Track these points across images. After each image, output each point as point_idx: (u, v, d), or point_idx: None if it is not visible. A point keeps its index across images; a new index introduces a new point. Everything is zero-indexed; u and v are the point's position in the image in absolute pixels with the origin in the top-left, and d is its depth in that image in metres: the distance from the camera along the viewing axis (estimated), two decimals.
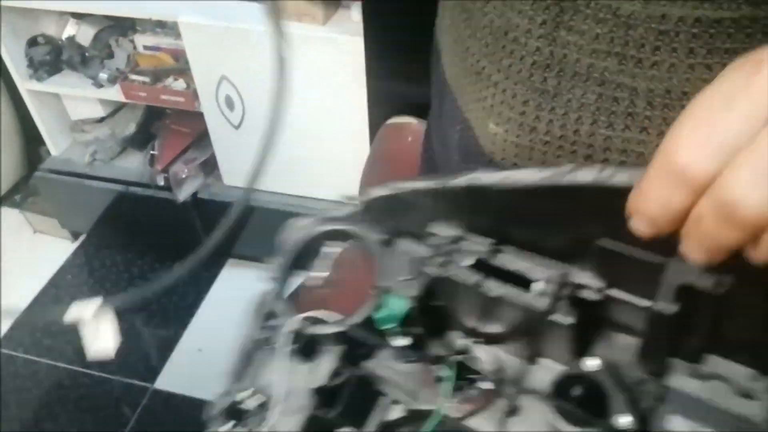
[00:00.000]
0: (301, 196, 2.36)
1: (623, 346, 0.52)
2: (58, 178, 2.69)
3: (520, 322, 0.51)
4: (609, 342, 0.53)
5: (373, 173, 1.27)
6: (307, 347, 0.61)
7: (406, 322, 0.57)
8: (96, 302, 0.63)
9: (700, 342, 0.47)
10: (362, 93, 2.01)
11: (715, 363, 0.50)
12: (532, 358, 0.55)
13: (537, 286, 0.49)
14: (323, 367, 0.60)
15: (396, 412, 0.61)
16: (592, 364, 0.50)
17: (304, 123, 1.99)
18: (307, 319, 0.60)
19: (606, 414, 0.48)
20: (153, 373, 2.35)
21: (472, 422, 0.58)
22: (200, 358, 2.36)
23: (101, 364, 2.28)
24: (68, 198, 2.76)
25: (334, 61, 2.00)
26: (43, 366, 2.41)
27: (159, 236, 2.72)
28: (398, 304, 0.56)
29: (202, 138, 2.53)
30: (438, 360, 0.58)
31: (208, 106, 2.35)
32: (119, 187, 2.64)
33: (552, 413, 0.49)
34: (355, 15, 1.96)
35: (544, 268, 0.50)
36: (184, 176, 2.52)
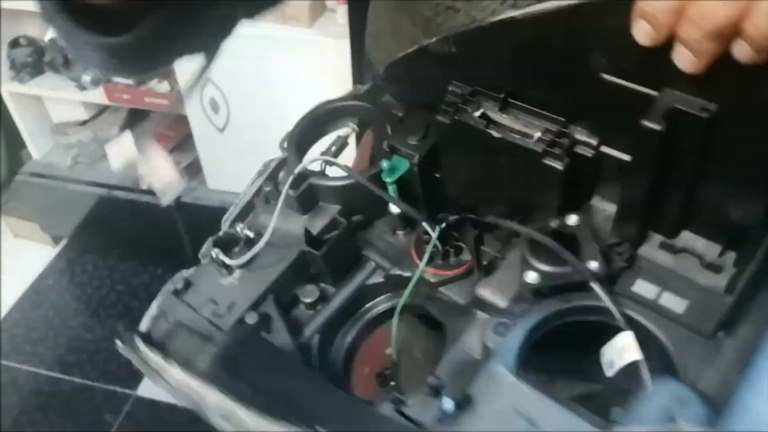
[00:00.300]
0: None
1: (604, 214, 0.56)
2: (40, 181, 2.61)
3: (518, 169, 0.54)
4: (591, 209, 0.57)
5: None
6: (308, 201, 0.64)
7: (404, 184, 0.60)
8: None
9: (678, 204, 0.50)
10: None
11: (687, 238, 0.54)
12: (522, 215, 0.58)
13: (535, 134, 0.54)
14: (319, 220, 0.63)
15: (376, 277, 0.64)
16: (572, 218, 0.53)
17: (290, 125, 1.96)
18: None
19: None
20: (135, 379, 2.22)
21: (445, 289, 0.61)
22: None
23: (82, 371, 2.24)
24: (49, 202, 2.67)
25: (320, 63, 1.98)
26: (24, 372, 2.30)
27: (142, 241, 2.62)
28: (400, 162, 0.60)
29: (186, 141, 2.47)
30: (426, 234, 0.61)
31: (192, 109, 2.27)
32: (101, 191, 2.57)
33: (527, 251, 0.53)
34: (340, 18, 1.98)
35: (546, 120, 0.54)
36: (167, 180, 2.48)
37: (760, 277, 0.48)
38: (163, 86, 2.38)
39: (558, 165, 0.51)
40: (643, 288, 0.53)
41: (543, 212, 0.56)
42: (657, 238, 0.55)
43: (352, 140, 0.72)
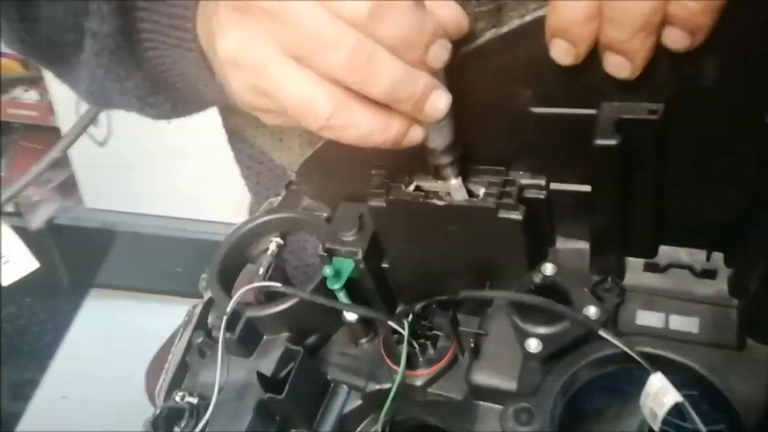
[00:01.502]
0: (179, 218, 1.95)
1: (574, 254, 0.51)
2: None
3: (473, 232, 0.49)
4: (557, 253, 0.52)
5: None
6: (251, 340, 0.56)
7: (353, 285, 0.53)
8: None
9: (650, 220, 0.47)
10: None
11: (667, 253, 0.49)
12: (489, 280, 0.52)
13: (480, 191, 0.48)
14: (269, 357, 0.54)
15: (353, 401, 0.55)
16: (548, 267, 0.48)
17: (180, 141, 1.71)
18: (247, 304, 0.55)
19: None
20: (8, 425, 1.94)
21: (435, 389, 0.53)
22: (66, 407, 1.92)
23: None
24: None
25: None
26: None
27: None
28: (343, 264, 0.53)
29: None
30: (395, 332, 0.54)
31: (66, 121, 2.01)
32: None
33: (516, 317, 0.47)
34: None
35: (484, 174, 0.49)
36: (37, 200, 2.14)
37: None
38: (31, 95, 2.12)
39: (516, 216, 0.46)
40: (647, 318, 0.48)
41: (511, 270, 0.51)
42: (638, 263, 0.50)
43: None
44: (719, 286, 0.48)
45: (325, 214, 0.60)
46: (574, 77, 0.41)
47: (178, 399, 0.55)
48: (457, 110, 0.45)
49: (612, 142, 0.40)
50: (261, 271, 0.61)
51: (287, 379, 0.53)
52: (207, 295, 0.62)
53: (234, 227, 0.62)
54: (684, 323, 0.47)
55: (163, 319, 1.39)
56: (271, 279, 0.62)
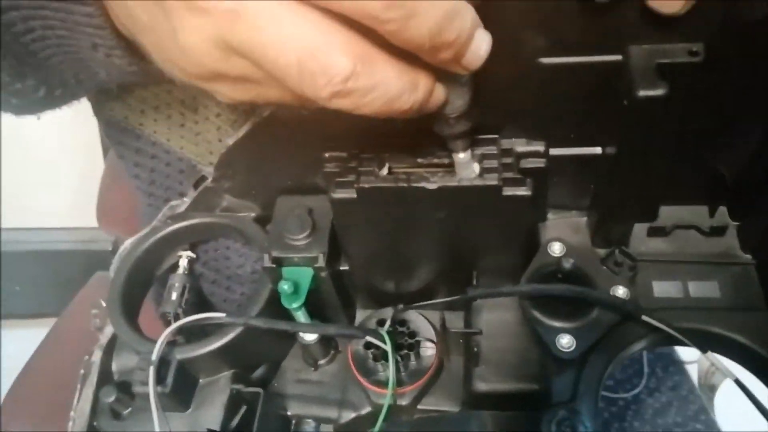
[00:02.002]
0: (8, 229, 1.55)
1: (569, 227, 0.44)
2: None
3: (465, 217, 0.40)
4: (549, 228, 0.45)
5: (111, 189, 1.04)
6: (187, 387, 0.43)
7: (308, 298, 0.43)
8: None
9: (662, 178, 0.40)
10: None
11: (667, 213, 0.44)
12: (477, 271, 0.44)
13: (474, 168, 0.40)
14: (213, 405, 0.42)
15: None
16: (555, 246, 0.41)
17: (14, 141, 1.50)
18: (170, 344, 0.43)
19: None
20: None
21: (426, 405, 0.45)
22: None
23: None
24: None
25: None
26: None
27: None
28: (299, 274, 0.42)
29: None
30: (369, 347, 0.44)
31: None
32: None
33: (538, 313, 0.39)
34: None
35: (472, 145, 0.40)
36: None
37: None
38: None
39: (524, 192, 0.38)
40: (665, 289, 0.42)
41: (506, 256, 0.43)
42: (641, 228, 0.44)
43: None
44: (729, 242, 0.44)
45: (253, 215, 0.48)
46: (597, 18, 0.33)
47: None
48: None
49: (659, 92, 0.33)
50: (174, 296, 0.49)
51: (244, 429, 0.42)
52: (104, 336, 0.48)
53: (132, 240, 0.48)
54: (704, 289, 0.42)
55: (7, 347, 1.18)
56: (189, 304, 0.50)
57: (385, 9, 0.25)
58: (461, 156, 0.37)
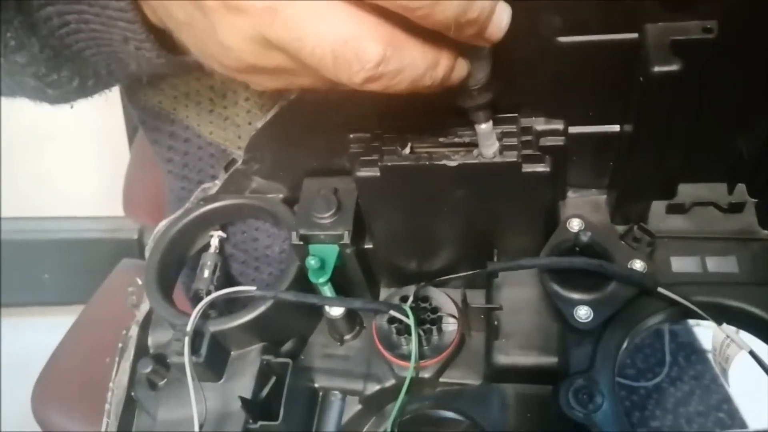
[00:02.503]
0: (38, 218, 1.53)
1: (587, 206, 0.46)
2: None
3: (485, 194, 0.41)
4: (568, 207, 0.46)
5: (137, 178, 1.07)
6: (220, 359, 0.45)
7: (334, 275, 0.44)
8: None
9: (680, 156, 0.41)
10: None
11: (686, 191, 0.45)
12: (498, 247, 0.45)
13: (493, 146, 0.41)
14: (244, 375, 0.44)
15: (351, 407, 0.47)
16: (574, 223, 0.42)
17: (42, 132, 1.48)
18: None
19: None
20: None
21: (447, 378, 0.46)
22: None
23: None
24: None
25: None
26: None
27: None
28: (325, 251, 0.44)
29: None
30: (392, 321, 0.46)
31: None
32: None
33: (556, 285, 0.40)
34: None
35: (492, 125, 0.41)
36: None
37: None
38: None
39: (543, 168, 0.39)
40: (684, 264, 0.43)
41: (526, 233, 0.44)
42: (659, 205, 0.45)
43: None
44: (747, 219, 0.45)
45: (281, 196, 0.50)
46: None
47: None
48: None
49: (674, 67, 0.34)
50: (206, 273, 0.51)
51: (274, 398, 0.44)
52: (140, 313, 0.50)
53: (166, 221, 0.50)
54: (722, 264, 0.43)
55: (36, 335, 1.21)
56: (219, 282, 0.52)
57: None
58: (483, 127, 0.38)
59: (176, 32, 0.34)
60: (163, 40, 0.38)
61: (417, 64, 0.29)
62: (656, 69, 0.34)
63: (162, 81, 0.50)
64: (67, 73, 0.40)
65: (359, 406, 0.47)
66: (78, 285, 1.17)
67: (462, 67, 0.32)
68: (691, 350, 1.09)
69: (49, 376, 1.03)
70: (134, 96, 0.51)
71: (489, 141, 0.39)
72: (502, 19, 0.30)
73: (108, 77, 0.41)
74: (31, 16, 0.36)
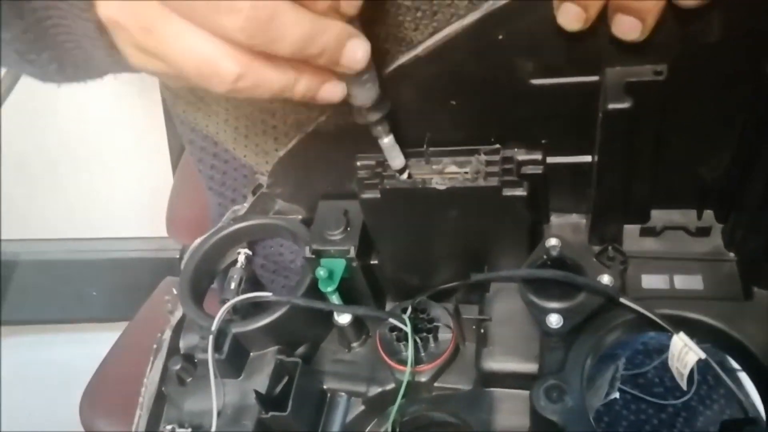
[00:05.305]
0: (86, 239, 1.68)
1: (568, 227, 0.51)
2: None
3: (473, 215, 0.47)
4: (553, 228, 0.52)
5: (180, 200, 1.15)
6: (239, 358, 0.52)
7: (343, 286, 0.50)
8: None
9: (647, 184, 0.46)
10: (158, 112, 1.45)
11: (659, 216, 0.50)
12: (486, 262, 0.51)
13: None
14: (261, 373, 0.50)
15: (355, 408, 0.52)
16: (552, 242, 0.47)
17: (89, 154, 1.55)
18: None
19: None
20: None
21: (442, 382, 0.51)
22: None
23: None
24: None
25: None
26: None
27: None
28: (334, 264, 0.50)
29: None
30: (393, 330, 0.51)
31: None
32: None
33: (531, 294, 0.45)
34: None
35: (477, 154, 0.47)
36: None
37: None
38: None
39: (521, 192, 0.45)
40: (653, 281, 0.48)
41: (512, 250, 0.50)
42: (634, 229, 0.50)
43: None
44: (714, 242, 0.49)
45: (300, 217, 0.57)
46: (576, 45, 0.40)
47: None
48: (454, 90, 0.43)
49: (625, 105, 0.40)
50: (233, 285, 0.57)
51: (286, 394, 0.50)
52: (174, 318, 0.57)
53: (200, 239, 0.57)
54: (688, 281, 0.47)
55: (85, 348, 1.28)
56: (244, 292, 0.58)
57: (250, 37, 0.33)
58: (385, 141, 0.45)
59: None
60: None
61: (274, 81, 0.36)
62: (610, 106, 0.40)
63: (208, 107, 0.57)
64: (46, 56, 0.44)
65: (362, 407, 0.53)
66: (124, 302, 1.25)
67: (335, 88, 0.39)
68: (721, 369, 1.10)
69: (96, 386, 1.10)
70: (186, 119, 0.58)
71: (393, 154, 0.45)
72: (356, 52, 0.37)
73: (86, 69, 0.46)
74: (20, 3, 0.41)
